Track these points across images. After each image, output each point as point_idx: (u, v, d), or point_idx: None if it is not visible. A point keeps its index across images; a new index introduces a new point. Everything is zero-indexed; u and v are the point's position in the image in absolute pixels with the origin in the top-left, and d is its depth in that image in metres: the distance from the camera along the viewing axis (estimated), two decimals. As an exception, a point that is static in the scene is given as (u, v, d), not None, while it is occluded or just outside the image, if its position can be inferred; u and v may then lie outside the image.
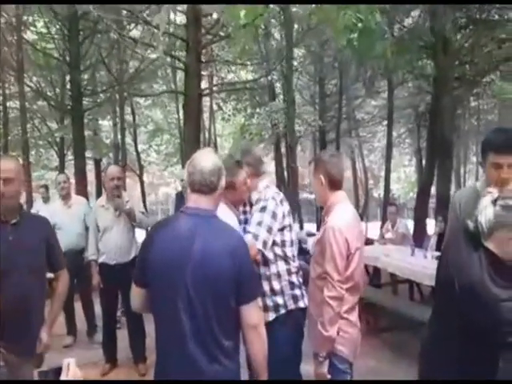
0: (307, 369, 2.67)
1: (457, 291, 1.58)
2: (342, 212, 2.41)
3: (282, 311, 2.60)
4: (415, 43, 7.72)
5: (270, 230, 2.51)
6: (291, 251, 2.66)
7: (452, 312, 1.65)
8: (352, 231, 2.35)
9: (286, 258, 2.62)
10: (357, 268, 2.38)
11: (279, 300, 2.60)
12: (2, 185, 2.24)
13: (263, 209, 2.55)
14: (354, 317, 2.44)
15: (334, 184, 2.48)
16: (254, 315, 1.83)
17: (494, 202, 1.57)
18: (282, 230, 2.60)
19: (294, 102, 8.93)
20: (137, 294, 1.94)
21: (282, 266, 2.61)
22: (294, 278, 2.65)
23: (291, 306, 2.60)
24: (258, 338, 1.85)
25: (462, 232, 1.65)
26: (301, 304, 2.62)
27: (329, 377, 2.31)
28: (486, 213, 1.56)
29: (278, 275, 2.61)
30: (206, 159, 1.90)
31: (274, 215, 2.54)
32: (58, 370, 1.46)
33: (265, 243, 2.49)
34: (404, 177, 28.35)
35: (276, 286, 2.60)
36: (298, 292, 2.63)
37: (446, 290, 1.69)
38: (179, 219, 1.90)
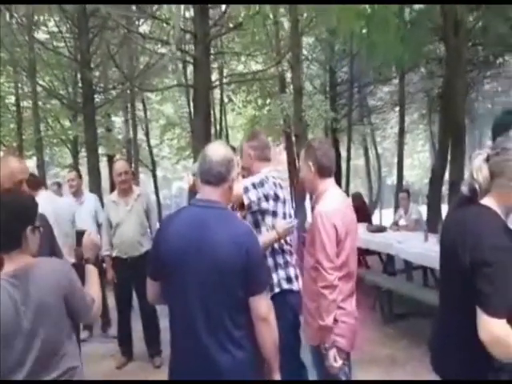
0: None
1: (458, 252, 1.61)
2: (330, 198, 2.36)
3: (276, 290, 2.65)
4: (425, 26, 7.57)
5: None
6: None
7: (458, 284, 1.65)
8: (341, 217, 2.29)
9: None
10: (350, 255, 2.33)
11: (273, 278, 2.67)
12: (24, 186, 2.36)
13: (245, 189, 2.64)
14: (350, 306, 2.35)
15: (323, 171, 2.42)
16: (262, 307, 1.84)
17: (487, 159, 1.62)
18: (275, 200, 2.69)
19: (301, 92, 8.85)
20: (151, 287, 1.99)
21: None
22: (287, 256, 2.72)
23: (284, 286, 2.67)
24: (268, 329, 1.86)
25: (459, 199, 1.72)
26: (294, 286, 2.68)
27: (336, 365, 2.24)
28: (482, 171, 1.61)
29: (282, 252, 2.71)
30: (215, 151, 1.93)
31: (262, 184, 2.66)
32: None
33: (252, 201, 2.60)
34: (418, 163, 28.05)
35: (279, 261, 2.70)
36: (291, 273, 2.70)
37: (449, 258, 1.72)
38: (188, 212, 1.94)
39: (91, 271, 2.11)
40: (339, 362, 2.25)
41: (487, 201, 1.62)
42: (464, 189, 1.66)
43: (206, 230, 1.81)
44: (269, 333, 1.86)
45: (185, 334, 1.85)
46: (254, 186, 2.62)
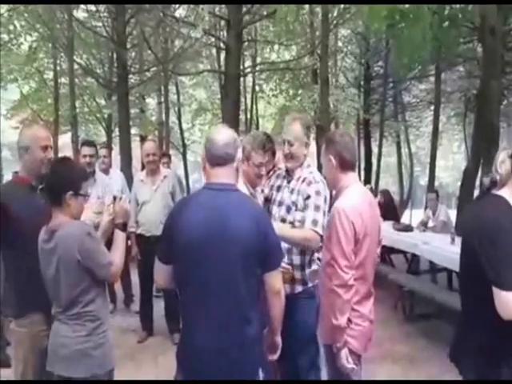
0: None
1: (473, 238, 1.66)
2: (351, 194, 2.26)
3: (310, 284, 2.64)
4: (460, 25, 7.33)
5: (324, 214, 2.57)
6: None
7: (476, 273, 1.65)
8: (361, 215, 2.19)
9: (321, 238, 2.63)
10: (368, 255, 2.24)
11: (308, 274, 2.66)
12: (48, 151, 2.44)
13: (318, 193, 2.57)
14: (366, 309, 2.27)
15: (345, 165, 2.31)
16: (277, 281, 1.95)
17: (511, 156, 1.71)
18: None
19: (328, 83, 8.77)
20: (161, 270, 1.98)
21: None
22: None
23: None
24: (280, 302, 1.99)
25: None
26: None
27: (348, 365, 2.20)
28: (505, 164, 1.71)
29: (312, 252, 2.65)
30: (219, 133, 1.96)
31: (325, 199, 2.60)
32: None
33: (322, 227, 2.52)
34: (453, 164, 27.37)
35: (307, 260, 2.65)
36: None
37: (467, 252, 1.75)
38: (202, 195, 1.95)
39: (118, 236, 2.31)
40: (351, 363, 2.21)
41: (503, 192, 1.70)
42: (486, 180, 1.75)
43: (226, 213, 1.83)
44: (280, 305, 1.99)
45: (199, 314, 1.86)
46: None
